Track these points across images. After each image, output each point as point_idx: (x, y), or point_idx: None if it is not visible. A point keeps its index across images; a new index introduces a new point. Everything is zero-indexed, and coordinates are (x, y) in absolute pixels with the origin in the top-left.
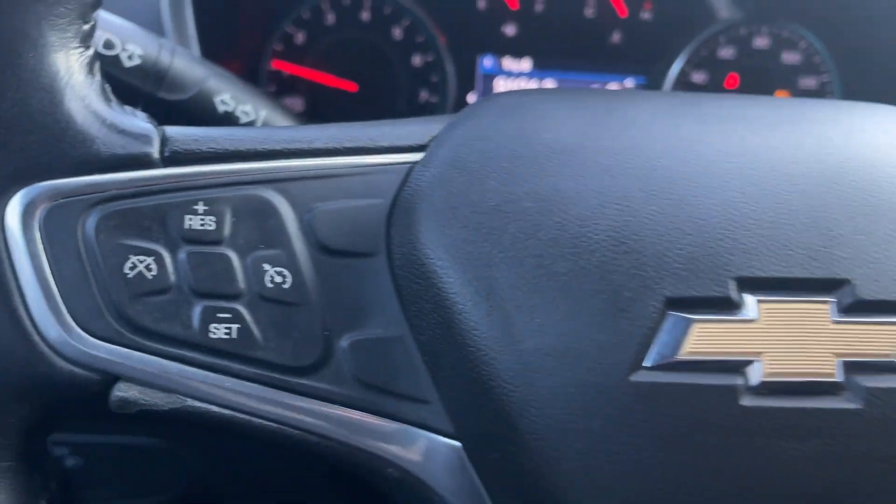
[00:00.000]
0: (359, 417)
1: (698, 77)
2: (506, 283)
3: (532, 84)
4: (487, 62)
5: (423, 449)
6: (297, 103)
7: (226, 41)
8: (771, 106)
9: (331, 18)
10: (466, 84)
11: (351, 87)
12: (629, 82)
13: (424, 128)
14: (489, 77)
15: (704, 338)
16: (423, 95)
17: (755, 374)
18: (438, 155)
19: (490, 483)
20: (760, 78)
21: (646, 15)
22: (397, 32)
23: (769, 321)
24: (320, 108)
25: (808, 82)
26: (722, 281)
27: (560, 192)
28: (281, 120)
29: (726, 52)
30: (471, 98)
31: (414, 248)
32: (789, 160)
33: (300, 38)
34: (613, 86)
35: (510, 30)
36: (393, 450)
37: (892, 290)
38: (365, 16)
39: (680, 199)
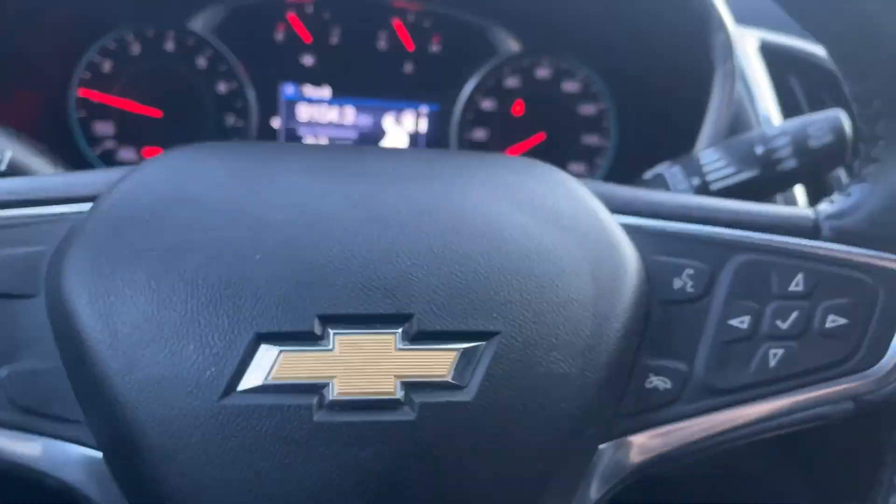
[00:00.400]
0: (16, 437)
1: (487, 104)
2: (128, 322)
3: (332, 110)
4: (289, 90)
5: (74, 461)
6: (107, 128)
7: (21, 71)
8: (401, 159)
9: (136, 48)
10: (270, 109)
11: (156, 113)
12: (423, 109)
13: (101, 178)
14: (291, 103)
15: (289, 366)
16: (230, 120)
17: (328, 395)
18: (99, 207)
19: (125, 486)
20: (544, 105)
21: (435, 47)
22: (201, 62)
23: (344, 350)
24: (130, 132)
25: (588, 109)
26: (307, 318)
27: (184, 242)
28: (31, 159)
29: (512, 82)
30: (275, 122)
31: (61, 291)
32: (384, 210)
33: (107, 66)
34: (409, 113)
35: (308, 60)
36: (48, 463)
37: (447, 321)
38: (169, 46)
39: (283, 245)
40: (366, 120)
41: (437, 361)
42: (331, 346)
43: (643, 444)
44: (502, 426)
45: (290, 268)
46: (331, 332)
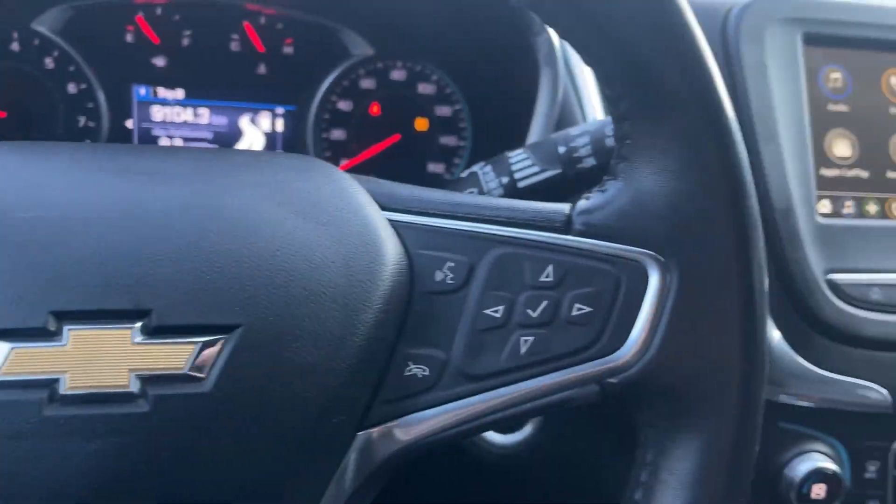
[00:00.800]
0: None
1: (344, 105)
2: None
3: (187, 111)
4: (142, 91)
5: None
6: None
7: None
8: (173, 159)
9: None
10: (125, 110)
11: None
12: (279, 110)
13: None
14: (145, 104)
15: (20, 362)
16: (82, 121)
17: (59, 389)
18: None
19: None
20: (400, 106)
21: (287, 49)
22: (49, 62)
23: (78, 345)
24: None
25: (444, 111)
26: (40, 314)
27: None
28: None
29: (367, 83)
30: (129, 123)
31: None
32: (138, 209)
33: None
34: (265, 113)
35: (160, 62)
36: None
37: (188, 316)
38: (15, 46)
39: (25, 243)
40: (221, 120)
41: (175, 355)
42: (64, 342)
43: (402, 430)
44: (243, 417)
45: (29, 265)
46: (65, 327)
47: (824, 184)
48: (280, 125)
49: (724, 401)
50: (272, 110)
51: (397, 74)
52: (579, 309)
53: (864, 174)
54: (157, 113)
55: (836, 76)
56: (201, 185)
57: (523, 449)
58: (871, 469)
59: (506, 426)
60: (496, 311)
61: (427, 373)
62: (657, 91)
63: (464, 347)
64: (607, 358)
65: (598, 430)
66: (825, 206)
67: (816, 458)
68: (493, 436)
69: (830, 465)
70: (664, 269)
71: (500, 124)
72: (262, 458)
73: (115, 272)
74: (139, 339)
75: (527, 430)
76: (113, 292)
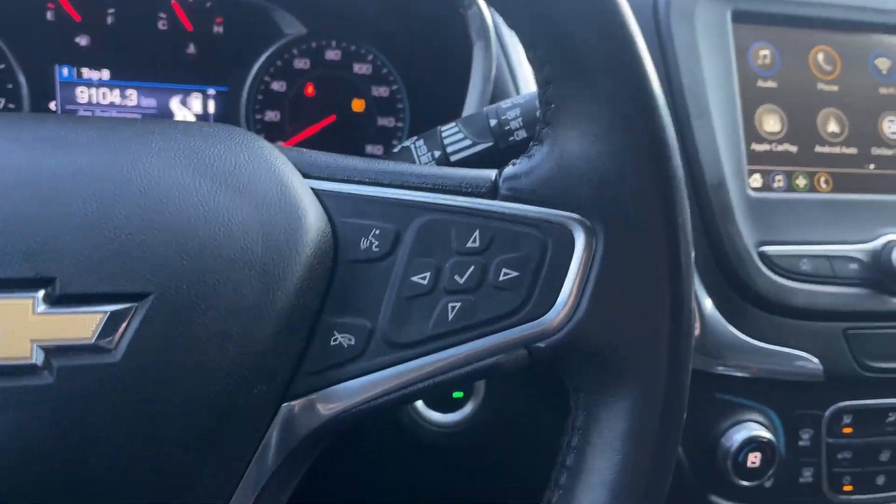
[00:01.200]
0: None
1: (277, 85)
2: None
3: (114, 92)
4: (65, 72)
5: None
6: None
7: None
8: (81, 126)
9: None
10: (47, 92)
11: None
12: (211, 91)
13: None
14: (69, 85)
15: None
16: (1, 102)
17: None
18: None
19: None
20: (336, 87)
21: (218, 28)
22: None
23: None
24: None
25: (381, 91)
26: None
27: None
28: None
29: (301, 63)
30: (52, 105)
31: None
32: (40, 176)
33: None
34: (196, 94)
35: (83, 41)
36: None
37: (94, 284)
38: None
39: None
40: (150, 102)
41: (81, 324)
42: None
43: (328, 400)
44: (154, 388)
45: None
46: None
47: (755, 158)
48: (212, 106)
49: (653, 362)
50: (203, 91)
51: (332, 54)
52: (506, 274)
53: (793, 149)
54: (82, 94)
55: (764, 53)
56: (110, 151)
57: (465, 426)
58: (805, 437)
59: (446, 403)
60: (423, 278)
61: (353, 342)
62: (579, 54)
63: (390, 315)
64: (535, 322)
65: (542, 405)
66: (756, 180)
67: (752, 427)
68: (434, 414)
69: (765, 434)
70: (590, 232)
71: (437, 103)
72: (175, 432)
73: (14, 239)
74: (42, 308)
75: (467, 408)
76: (11, 260)
